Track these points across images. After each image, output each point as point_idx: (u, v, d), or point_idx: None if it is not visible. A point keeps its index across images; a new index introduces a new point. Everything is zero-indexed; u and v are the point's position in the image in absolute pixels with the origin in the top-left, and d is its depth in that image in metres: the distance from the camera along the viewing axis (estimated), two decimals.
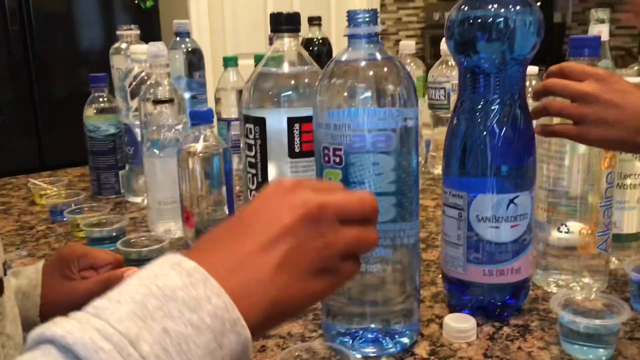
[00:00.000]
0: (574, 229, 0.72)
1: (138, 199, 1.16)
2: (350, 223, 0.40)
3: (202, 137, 0.88)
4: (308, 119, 0.63)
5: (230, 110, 1.37)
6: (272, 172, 0.67)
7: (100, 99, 1.18)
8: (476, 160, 0.64)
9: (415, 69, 1.35)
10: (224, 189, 0.91)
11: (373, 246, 0.41)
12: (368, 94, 0.58)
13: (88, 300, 0.33)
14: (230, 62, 1.34)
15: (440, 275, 0.72)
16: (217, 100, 1.38)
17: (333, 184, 0.44)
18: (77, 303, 0.33)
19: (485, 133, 0.64)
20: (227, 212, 0.92)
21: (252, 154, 0.68)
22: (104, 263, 0.65)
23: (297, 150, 0.66)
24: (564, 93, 0.64)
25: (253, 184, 0.69)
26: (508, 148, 0.64)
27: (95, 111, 1.18)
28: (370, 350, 0.60)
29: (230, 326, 0.33)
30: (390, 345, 0.61)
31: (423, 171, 1.38)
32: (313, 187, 0.40)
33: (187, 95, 1.32)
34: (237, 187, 0.96)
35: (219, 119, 1.37)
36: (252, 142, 0.68)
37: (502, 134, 0.64)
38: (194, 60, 1.34)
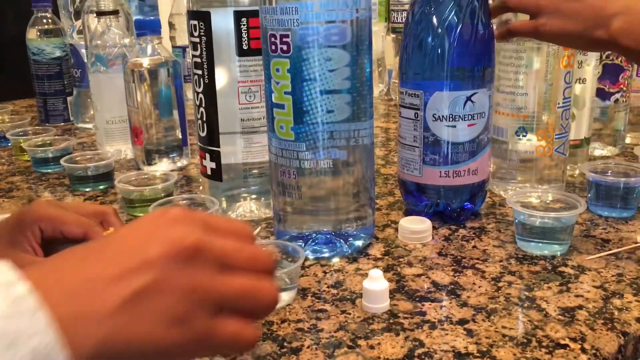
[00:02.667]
0: (533, 134, 0.70)
1: (88, 125, 1.11)
2: (239, 273, 0.33)
3: (148, 49, 0.84)
4: (256, 14, 0.59)
5: (186, 37, 1.32)
6: (219, 72, 0.63)
7: (44, 20, 1.11)
8: (432, 56, 0.62)
9: None
10: (174, 108, 0.87)
11: (266, 302, 0.34)
12: None
13: None
14: None
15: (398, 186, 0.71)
16: (171, 26, 1.32)
17: (238, 227, 0.36)
18: None
19: (441, 26, 0.61)
20: (178, 134, 0.88)
21: (198, 53, 0.64)
22: (73, 235, 0.48)
23: (245, 47, 0.62)
24: None
25: (200, 86, 0.65)
26: (465, 41, 0.62)
27: (38, 33, 1.11)
28: (323, 251, 0.58)
29: None
30: (344, 247, 0.59)
31: (385, 98, 1.35)
32: (206, 224, 0.34)
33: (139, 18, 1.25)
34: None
35: (174, 47, 1.31)
36: (196, 40, 0.63)
37: (459, 27, 0.61)
38: None
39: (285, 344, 0.44)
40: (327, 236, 0.59)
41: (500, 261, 0.56)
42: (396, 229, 0.63)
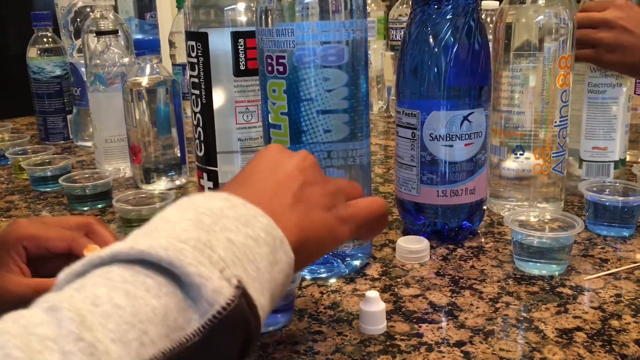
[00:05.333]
0: (530, 153, 0.70)
1: (88, 143, 1.11)
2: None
3: (147, 68, 0.84)
4: (254, 34, 0.60)
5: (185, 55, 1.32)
6: (216, 92, 0.64)
7: (44, 39, 1.12)
8: (429, 75, 0.62)
9: (375, 10, 1.31)
10: (173, 126, 0.87)
11: (362, 191, 0.45)
12: (315, 3, 0.55)
13: (17, 306, 0.26)
14: (184, 2, 1.28)
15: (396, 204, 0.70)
16: (171, 44, 1.32)
17: None
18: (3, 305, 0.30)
19: (437, 46, 0.61)
20: (177, 152, 0.88)
21: (195, 73, 0.64)
22: (58, 250, 0.47)
23: (242, 67, 0.63)
24: (585, 22, 0.71)
25: (197, 106, 0.65)
26: (462, 61, 0.62)
27: (38, 52, 1.12)
28: (320, 271, 0.58)
29: (279, 244, 0.33)
30: (341, 267, 0.58)
31: (385, 115, 1.35)
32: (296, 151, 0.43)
33: (138, 37, 1.26)
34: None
35: (174, 65, 1.32)
36: (194, 60, 0.64)
37: (455, 47, 0.61)
38: (145, 0, 1.28)
39: None
40: (325, 256, 0.59)
41: (498, 281, 0.56)
42: (394, 249, 0.63)
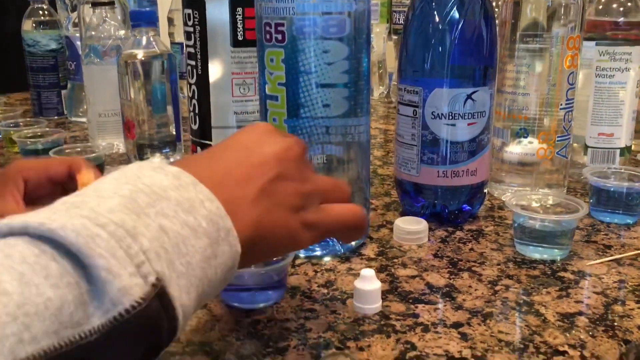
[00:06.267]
0: (534, 136, 0.69)
1: (82, 119, 1.09)
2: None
3: (143, 40, 0.82)
4: (252, 3, 0.58)
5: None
6: (213, 63, 0.62)
7: (40, 11, 1.10)
8: (432, 53, 0.60)
9: None
10: (169, 103, 0.85)
11: (347, 193, 0.41)
12: None
13: None
14: None
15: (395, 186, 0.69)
16: (170, 22, 1.30)
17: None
18: None
19: (442, 22, 0.59)
20: (172, 130, 0.86)
21: (192, 43, 0.62)
22: (58, 175, 0.47)
23: (240, 38, 0.61)
24: None
25: (192, 77, 0.63)
26: (467, 39, 0.60)
27: (34, 24, 1.10)
28: (315, 249, 0.56)
29: (224, 235, 0.30)
30: (337, 246, 0.57)
31: (385, 101, 1.33)
32: (287, 135, 0.39)
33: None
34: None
35: (172, 43, 1.30)
36: (190, 29, 0.62)
37: (460, 24, 0.59)
38: None
39: (270, 343, 0.42)
40: None
41: (498, 264, 0.54)
42: (391, 230, 0.61)
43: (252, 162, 0.35)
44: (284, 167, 0.36)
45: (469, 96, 0.60)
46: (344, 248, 0.57)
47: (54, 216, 0.25)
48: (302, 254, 0.56)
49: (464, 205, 0.64)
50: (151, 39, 0.82)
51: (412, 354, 0.41)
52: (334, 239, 0.57)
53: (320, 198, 0.38)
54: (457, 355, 0.41)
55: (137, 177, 0.29)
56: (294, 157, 0.37)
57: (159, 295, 0.26)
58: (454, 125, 0.61)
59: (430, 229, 0.61)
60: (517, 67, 0.67)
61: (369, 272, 0.47)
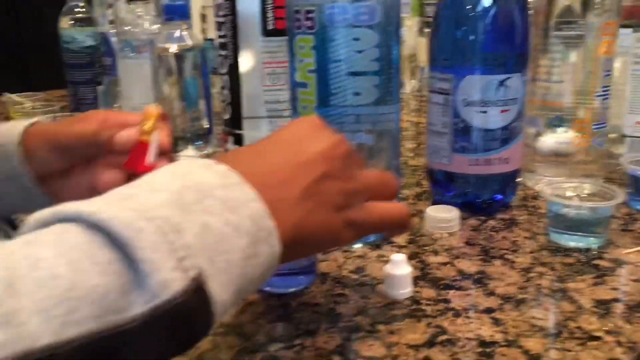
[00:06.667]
0: (569, 125, 0.67)
1: None
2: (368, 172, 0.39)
3: (176, 34, 0.83)
4: None
5: None
6: (244, 53, 0.62)
7: (76, 9, 1.12)
8: (464, 40, 0.59)
9: None
10: (201, 97, 0.86)
11: (396, 188, 0.41)
12: None
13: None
14: None
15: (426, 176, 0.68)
16: (203, 18, 1.32)
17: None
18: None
19: (475, 8, 0.58)
20: (204, 124, 0.87)
21: (223, 33, 0.62)
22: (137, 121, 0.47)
23: (270, 27, 0.61)
24: None
25: (224, 67, 0.64)
26: (500, 25, 0.59)
27: (71, 22, 1.12)
28: None
29: (265, 235, 0.30)
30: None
31: (417, 94, 1.33)
32: (334, 131, 0.39)
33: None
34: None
35: (205, 39, 1.31)
36: (222, 19, 0.62)
37: (493, 10, 0.58)
38: None
39: (301, 325, 0.42)
40: None
41: (532, 252, 0.54)
42: (422, 219, 0.61)
43: (298, 161, 0.35)
44: (329, 166, 0.35)
45: (501, 83, 0.59)
46: (374, 236, 0.57)
47: (106, 207, 0.27)
48: None
49: (497, 195, 0.63)
50: (184, 32, 0.83)
51: (443, 337, 0.41)
52: None
53: (366, 195, 0.38)
54: (488, 339, 0.40)
55: (185, 173, 0.30)
56: (341, 154, 0.36)
57: (198, 290, 0.27)
58: (485, 112, 0.60)
59: (462, 218, 0.60)
60: (552, 54, 0.66)
61: (399, 257, 0.47)
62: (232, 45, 0.62)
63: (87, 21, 1.12)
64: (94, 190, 0.47)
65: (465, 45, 0.59)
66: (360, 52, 0.53)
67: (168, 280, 0.25)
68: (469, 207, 0.63)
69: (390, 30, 0.54)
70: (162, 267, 0.25)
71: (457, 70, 0.60)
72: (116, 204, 0.27)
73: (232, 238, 0.29)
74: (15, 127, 0.48)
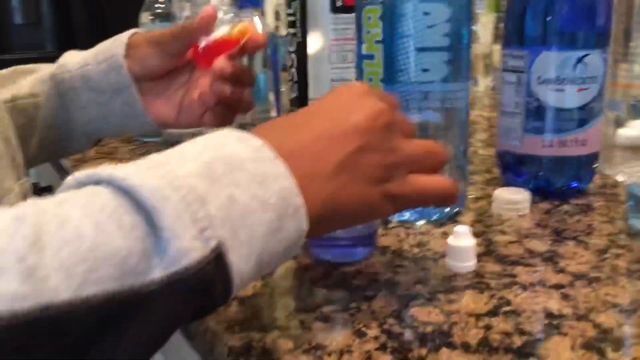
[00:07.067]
0: None
1: None
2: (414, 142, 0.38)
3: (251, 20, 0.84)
4: None
5: None
6: (312, 30, 0.62)
7: (156, 4, 1.16)
8: (540, 14, 0.57)
9: None
10: (270, 89, 0.87)
11: (442, 158, 0.39)
12: None
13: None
14: None
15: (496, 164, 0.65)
16: (277, 15, 1.34)
17: (397, 102, 0.40)
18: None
19: None
20: (273, 114, 0.88)
21: (292, 11, 0.63)
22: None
23: (339, 4, 0.61)
24: None
25: (292, 45, 0.64)
26: (578, 3, 0.56)
27: (151, 17, 1.16)
28: (407, 215, 0.55)
29: (292, 212, 0.30)
30: (431, 212, 0.55)
31: (492, 93, 1.29)
32: (382, 97, 0.38)
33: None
34: None
35: (279, 37, 1.33)
36: None
37: None
38: None
39: (358, 291, 0.41)
40: None
41: (609, 235, 0.50)
42: (491, 202, 0.58)
43: (335, 133, 0.34)
44: (368, 138, 0.35)
45: (579, 59, 0.56)
46: (439, 214, 0.55)
47: (136, 172, 0.27)
48: (395, 218, 0.55)
49: (572, 183, 0.60)
50: (257, 19, 0.84)
51: (507, 308, 0.38)
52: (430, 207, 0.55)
53: (409, 167, 0.37)
54: (557, 312, 0.38)
55: (221, 145, 0.30)
56: (382, 125, 0.35)
57: (218, 260, 0.27)
58: (562, 90, 0.57)
59: (533, 202, 0.58)
60: (636, 32, 0.62)
61: (463, 229, 0.45)
62: (300, 22, 0.62)
63: (166, 16, 1.16)
64: (182, 108, 0.54)
65: (541, 22, 0.57)
66: (430, 27, 0.52)
67: (188, 249, 0.26)
68: (541, 194, 0.60)
69: (462, 4, 0.53)
70: (182, 236, 0.26)
71: (532, 47, 0.57)
72: (146, 171, 0.28)
73: (257, 212, 0.29)
74: (120, 40, 0.54)
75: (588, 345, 0.34)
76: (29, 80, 0.57)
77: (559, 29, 0.56)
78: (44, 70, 0.57)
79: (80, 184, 0.28)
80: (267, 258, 0.30)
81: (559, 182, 0.60)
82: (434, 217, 0.55)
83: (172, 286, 0.26)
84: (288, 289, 0.42)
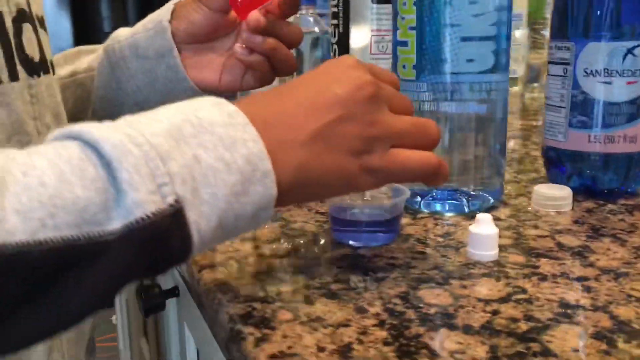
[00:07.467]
0: None
1: None
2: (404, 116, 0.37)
3: (302, 19, 0.85)
4: None
5: None
6: (354, 20, 0.62)
7: None
8: (585, 2, 0.54)
9: None
10: None
11: (433, 135, 0.38)
12: None
13: None
14: None
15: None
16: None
17: (395, 79, 0.40)
18: None
19: None
20: None
21: (335, 2, 0.63)
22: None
23: None
24: None
25: (335, 36, 0.64)
26: None
27: None
28: (438, 206, 0.54)
29: (260, 176, 0.31)
30: (464, 205, 0.53)
31: None
32: (375, 72, 0.38)
33: None
34: None
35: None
36: None
37: None
38: None
39: (370, 272, 0.41)
40: (447, 192, 0.54)
41: None
42: (530, 198, 0.56)
43: (315, 102, 0.34)
44: (349, 109, 0.34)
45: (629, 50, 0.53)
46: (473, 207, 0.53)
47: (104, 129, 0.29)
48: (425, 209, 0.54)
49: (621, 182, 0.57)
50: (309, 17, 0.86)
51: (520, 296, 0.37)
52: (463, 198, 0.54)
53: (393, 141, 0.36)
54: (573, 303, 0.36)
55: (195, 109, 0.32)
56: (365, 97, 0.35)
57: (175, 216, 0.28)
58: (610, 83, 0.54)
59: (576, 200, 0.55)
60: None
61: (485, 216, 0.43)
62: (343, 13, 0.63)
63: None
64: (224, 71, 0.55)
65: (587, 12, 0.54)
66: (477, 16, 0.51)
67: (143, 201, 0.27)
68: (588, 193, 0.57)
69: None
70: (139, 189, 0.27)
71: (579, 38, 0.55)
72: (116, 129, 0.29)
73: (221, 173, 0.30)
74: (168, 4, 0.55)
75: (599, 335, 0.32)
76: (90, 57, 0.60)
77: (606, 18, 0.53)
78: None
79: (56, 139, 0.30)
80: (232, 220, 0.31)
81: (607, 181, 0.57)
82: (467, 210, 0.53)
83: (128, 236, 0.27)
84: (301, 266, 0.42)
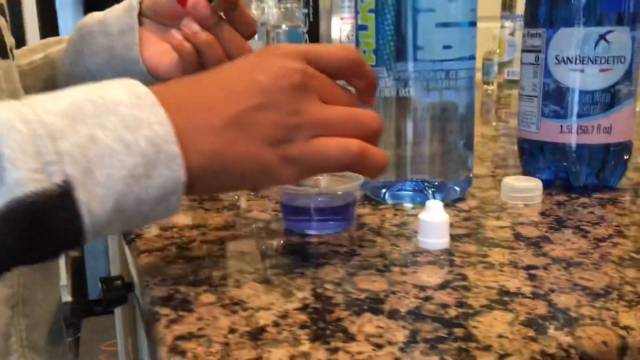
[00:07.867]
0: None
1: None
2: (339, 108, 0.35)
3: (290, 12, 0.84)
4: None
5: None
6: (325, 9, 0.61)
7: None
8: None
9: None
10: None
11: (370, 125, 0.35)
12: None
13: None
14: None
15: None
16: None
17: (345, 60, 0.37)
18: None
19: None
20: None
21: None
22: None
23: None
24: None
25: (306, 25, 0.63)
26: None
27: None
28: (405, 200, 0.52)
29: (165, 159, 0.30)
30: (429, 196, 0.51)
31: None
32: (320, 62, 0.35)
33: None
34: None
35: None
36: None
37: None
38: None
39: (311, 259, 0.39)
40: (413, 183, 0.52)
41: (617, 226, 0.45)
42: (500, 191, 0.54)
43: (234, 88, 0.33)
44: (270, 97, 0.33)
45: (602, 37, 0.51)
46: (438, 198, 0.51)
47: (3, 106, 0.28)
48: (389, 201, 0.52)
49: (597, 175, 0.54)
50: (296, 10, 0.85)
51: (459, 283, 0.35)
52: (428, 190, 0.52)
53: (317, 131, 0.34)
54: (513, 290, 0.34)
55: (103, 89, 0.31)
56: (289, 85, 0.33)
57: (63, 196, 0.27)
58: (582, 71, 0.52)
59: (549, 194, 0.53)
60: None
61: (434, 203, 0.41)
62: (313, 1, 0.61)
63: None
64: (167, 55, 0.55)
65: (561, 2, 0.52)
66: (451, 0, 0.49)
67: (24, 180, 0.26)
68: (563, 187, 0.55)
69: None
70: (21, 166, 0.26)
71: (550, 24, 0.53)
72: (13, 106, 0.28)
73: (119, 155, 0.28)
74: None
75: (530, 322, 0.30)
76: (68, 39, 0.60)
77: (578, 3, 0.51)
78: None
79: None
80: (133, 204, 0.29)
81: (581, 174, 0.54)
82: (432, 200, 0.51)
83: (8, 215, 0.26)
84: (242, 253, 0.41)
